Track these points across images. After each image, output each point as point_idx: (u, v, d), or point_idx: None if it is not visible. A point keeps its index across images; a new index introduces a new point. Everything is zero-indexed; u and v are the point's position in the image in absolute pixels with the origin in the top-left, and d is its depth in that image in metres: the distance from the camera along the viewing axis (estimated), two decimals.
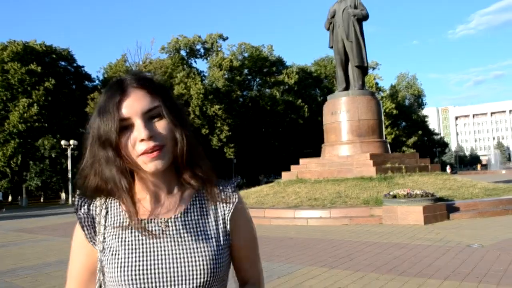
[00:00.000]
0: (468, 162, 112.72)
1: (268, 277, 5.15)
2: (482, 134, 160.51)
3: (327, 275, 5.41)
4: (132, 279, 0.88)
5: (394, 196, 10.02)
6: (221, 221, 0.98)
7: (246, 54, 50.29)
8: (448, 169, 49.72)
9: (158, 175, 0.94)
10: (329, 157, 15.92)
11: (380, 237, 8.10)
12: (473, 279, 4.83)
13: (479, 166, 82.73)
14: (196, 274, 0.89)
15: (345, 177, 13.79)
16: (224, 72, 45.08)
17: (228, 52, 49.06)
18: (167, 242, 0.92)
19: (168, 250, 0.91)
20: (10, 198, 41.93)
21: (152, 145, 0.88)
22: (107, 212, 0.96)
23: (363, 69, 16.89)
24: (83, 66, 43.52)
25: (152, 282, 0.88)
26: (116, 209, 0.96)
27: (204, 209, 0.98)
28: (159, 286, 0.88)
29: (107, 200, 0.97)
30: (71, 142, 32.34)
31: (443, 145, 73.83)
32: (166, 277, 0.88)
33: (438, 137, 75.21)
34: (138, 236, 0.92)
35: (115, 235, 0.93)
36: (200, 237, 0.94)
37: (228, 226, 0.99)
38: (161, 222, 0.93)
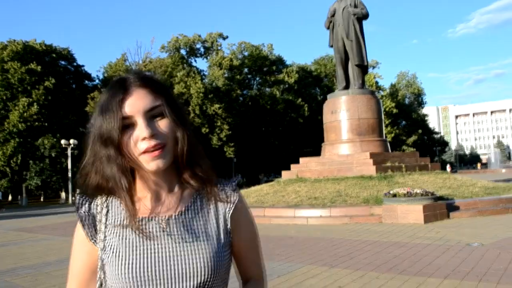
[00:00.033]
0: (468, 161, 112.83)
1: (268, 276, 5.12)
2: (482, 133, 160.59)
3: (327, 274, 5.41)
4: (132, 277, 0.88)
5: (394, 195, 10.03)
6: (221, 220, 0.98)
7: (246, 53, 50.31)
8: (448, 168, 49.74)
9: (159, 174, 0.94)
10: (329, 156, 15.92)
11: (380, 236, 8.10)
12: (473, 278, 4.83)
13: (479, 165, 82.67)
14: (197, 272, 0.89)
15: (345, 176, 13.79)
16: (224, 71, 45.07)
17: (228, 51, 49.16)
18: (168, 240, 0.92)
19: (169, 248, 0.91)
20: (10, 198, 41.95)
21: (154, 143, 0.88)
22: (108, 211, 0.96)
23: (363, 68, 16.87)
24: (83, 66, 43.61)
25: (152, 280, 0.88)
26: (117, 207, 0.96)
27: (205, 208, 0.98)
28: (160, 284, 0.88)
29: (108, 199, 0.97)
30: (71, 141, 32.38)
31: (443, 144, 73.89)
32: (167, 275, 0.88)
33: (438, 136, 75.24)
34: (139, 234, 0.92)
35: (116, 233, 0.93)
36: (200, 236, 0.94)
37: (228, 225, 0.99)
38: (161, 221, 0.93)
